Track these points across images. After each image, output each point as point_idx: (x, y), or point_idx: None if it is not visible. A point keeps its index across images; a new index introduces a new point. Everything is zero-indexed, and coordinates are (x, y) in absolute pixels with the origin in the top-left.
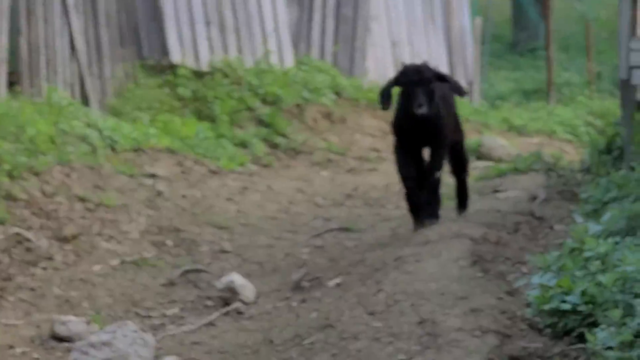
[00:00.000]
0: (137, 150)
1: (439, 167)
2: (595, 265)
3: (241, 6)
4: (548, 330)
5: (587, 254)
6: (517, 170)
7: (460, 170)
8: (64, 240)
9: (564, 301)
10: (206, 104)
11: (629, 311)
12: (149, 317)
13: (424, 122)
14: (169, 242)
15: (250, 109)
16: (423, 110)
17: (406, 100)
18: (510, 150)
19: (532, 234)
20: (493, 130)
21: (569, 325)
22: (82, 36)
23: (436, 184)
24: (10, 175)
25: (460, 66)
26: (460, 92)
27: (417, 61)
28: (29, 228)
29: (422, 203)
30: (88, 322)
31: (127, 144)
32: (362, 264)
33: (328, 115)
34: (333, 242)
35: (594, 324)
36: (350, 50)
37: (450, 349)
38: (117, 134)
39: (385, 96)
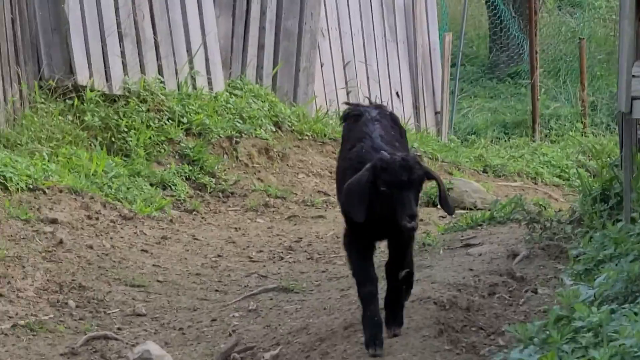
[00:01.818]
0: (33, 189)
1: (410, 264)
2: (587, 337)
3: (162, 15)
4: None
5: (577, 324)
6: (493, 221)
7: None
8: None
9: None
10: (119, 135)
11: None
12: None
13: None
14: (71, 303)
15: (171, 141)
16: (415, 224)
17: (387, 205)
18: (486, 195)
19: (510, 299)
20: (465, 172)
21: None
22: None
23: (402, 285)
24: None
25: (427, 92)
26: (450, 210)
27: (375, 85)
28: None
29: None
30: None
31: (21, 182)
32: (304, 332)
33: (266, 151)
34: (270, 304)
35: None
36: (293, 72)
37: None
38: (10, 169)
39: (359, 203)
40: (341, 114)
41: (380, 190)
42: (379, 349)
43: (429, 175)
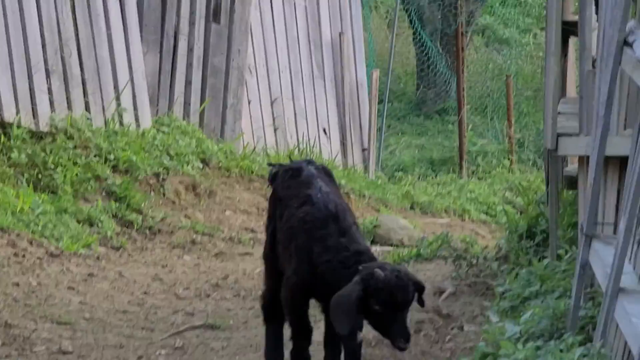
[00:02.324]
0: None
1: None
2: None
3: (89, 52)
4: None
5: None
6: (420, 257)
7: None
8: None
9: None
10: (45, 172)
11: None
12: None
13: None
14: None
15: (98, 178)
16: (408, 345)
17: (378, 322)
18: (413, 232)
19: (436, 336)
20: (392, 208)
21: None
22: None
23: (358, 349)
24: None
25: (354, 129)
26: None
27: (302, 121)
28: None
29: None
30: None
31: None
32: None
33: (193, 188)
34: (196, 342)
35: None
36: (221, 108)
37: None
38: None
39: (347, 319)
40: (269, 173)
41: (372, 308)
42: None
43: (418, 287)
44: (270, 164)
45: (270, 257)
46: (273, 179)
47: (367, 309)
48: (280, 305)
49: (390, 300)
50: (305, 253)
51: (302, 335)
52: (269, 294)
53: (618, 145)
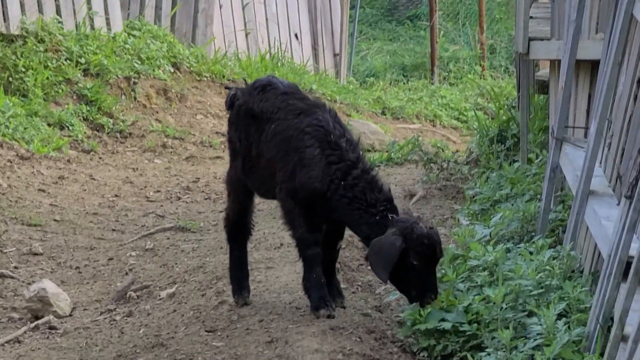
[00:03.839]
0: None
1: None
2: (482, 276)
3: None
4: (423, 354)
5: (472, 263)
6: (391, 162)
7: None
8: None
9: (443, 319)
10: (16, 75)
11: (520, 332)
12: None
13: None
14: None
15: (69, 81)
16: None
17: (410, 274)
18: (384, 137)
19: None
20: (364, 113)
21: (449, 348)
22: None
23: (336, 257)
24: None
25: (326, 34)
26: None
27: (273, 26)
28: None
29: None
30: None
31: None
32: (201, 271)
33: (164, 92)
34: (167, 243)
35: (479, 347)
36: (192, 13)
37: None
38: None
39: (386, 267)
40: (227, 97)
41: (409, 262)
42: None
43: None
44: (227, 87)
45: (239, 179)
46: (232, 103)
47: (401, 262)
48: (244, 224)
49: (430, 255)
50: (318, 164)
51: (317, 243)
52: (235, 215)
53: (589, 49)
